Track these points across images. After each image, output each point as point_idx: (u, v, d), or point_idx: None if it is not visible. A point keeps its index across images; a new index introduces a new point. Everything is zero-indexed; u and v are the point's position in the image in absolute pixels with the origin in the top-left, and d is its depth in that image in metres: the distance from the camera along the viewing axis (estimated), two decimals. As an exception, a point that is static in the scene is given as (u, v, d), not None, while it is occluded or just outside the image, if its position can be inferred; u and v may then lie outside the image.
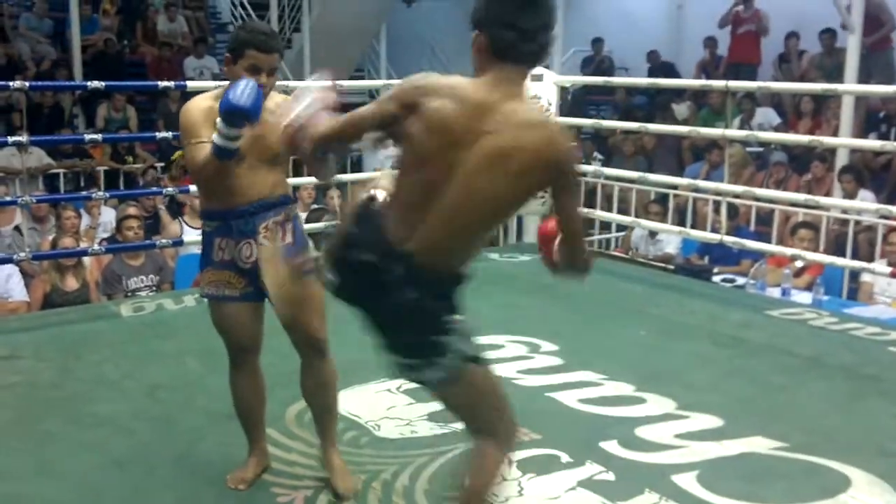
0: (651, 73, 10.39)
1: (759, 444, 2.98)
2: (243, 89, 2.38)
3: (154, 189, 6.68)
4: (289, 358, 3.77)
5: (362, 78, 11.92)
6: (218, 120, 2.42)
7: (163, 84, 5.51)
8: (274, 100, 2.62)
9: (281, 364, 3.72)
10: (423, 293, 1.96)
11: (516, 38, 1.88)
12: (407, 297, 1.95)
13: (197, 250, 5.87)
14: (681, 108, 9.22)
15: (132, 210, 6.13)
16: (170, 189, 5.72)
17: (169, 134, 5.29)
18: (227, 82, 2.53)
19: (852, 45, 7.11)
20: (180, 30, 11.31)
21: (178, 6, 11.68)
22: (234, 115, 2.38)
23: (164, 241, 5.40)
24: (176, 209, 6.78)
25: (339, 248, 2.04)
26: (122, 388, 3.52)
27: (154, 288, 5.41)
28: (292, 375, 3.54)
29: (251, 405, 2.78)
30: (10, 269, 4.88)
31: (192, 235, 5.75)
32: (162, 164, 8.29)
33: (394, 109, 1.94)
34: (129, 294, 5.24)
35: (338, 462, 2.74)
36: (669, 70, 10.38)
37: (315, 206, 6.67)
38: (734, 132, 5.98)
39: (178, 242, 5.44)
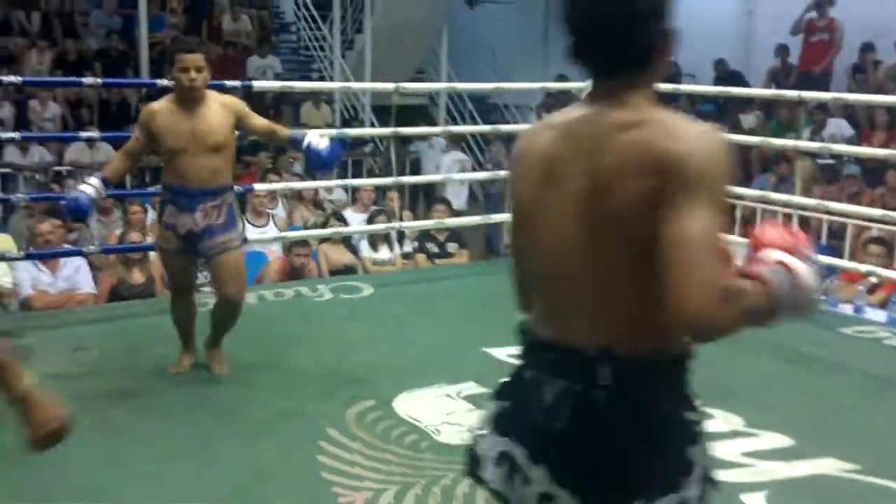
0: (717, 83, 10.20)
1: (831, 466, 2.89)
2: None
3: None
4: (349, 356, 3.80)
5: (423, 80, 11.94)
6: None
7: (229, 83, 5.55)
8: (216, 100, 3.44)
9: (341, 363, 3.75)
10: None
11: (581, 45, 1.43)
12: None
13: (260, 248, 5.99)
14: (748, 119, 9.03)
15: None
16: (236, 187, 5.75)
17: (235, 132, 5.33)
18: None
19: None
20: (244, 29, 11.46)
21: (243, 5, 11.83)
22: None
23: (226, 237, 5.45)
24: (240, 208, 6.83)
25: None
26: (185, 381, 3.56)
27: (215, 284, 5.47)
28: (353, 378, 3.58)
29: (184, 323, 3.60)
30: (79, 261, 4.97)
31: (254, 234, 5.79)
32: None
33: None
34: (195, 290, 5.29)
35: (217, 353, 3.62)
36: (737, 79, 10.16)
37: (375, 207, 6.67)
38: (806, 143, 5.83)
39: (243, 240, 5.47)
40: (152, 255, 5.06)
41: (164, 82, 5.00)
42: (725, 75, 10.30)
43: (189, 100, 3.36)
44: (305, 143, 3.57)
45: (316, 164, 3.80)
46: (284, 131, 3.79)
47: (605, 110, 1.38)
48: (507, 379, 1.49)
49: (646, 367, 1.35)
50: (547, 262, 1.41)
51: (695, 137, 1.31)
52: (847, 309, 4.91)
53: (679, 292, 1.23)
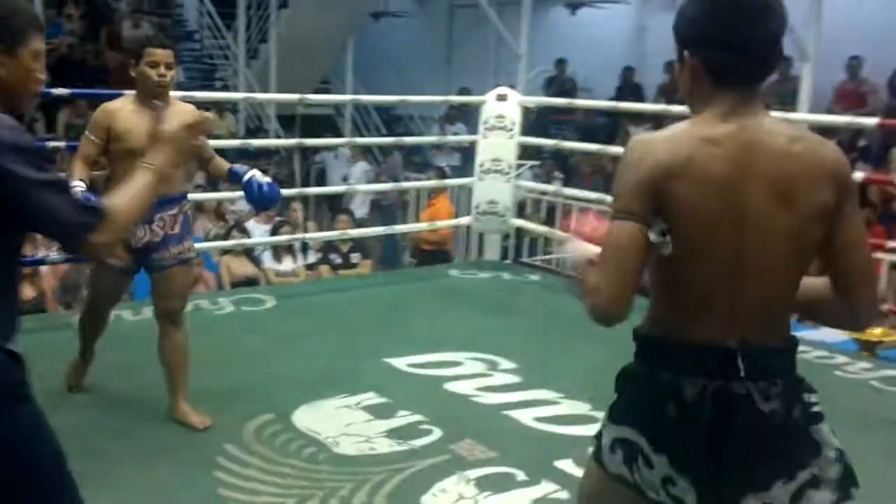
0: (621, 91, 10.57)
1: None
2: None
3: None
4: (249, 370, 3.81)
5: (328, 91, 11.96)
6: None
7: (127, 93, 5.48)
8: (178, 104, 3.24)
9: (241, 377, 3.76)
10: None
11: (744, 61, 1.51)
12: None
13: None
14: (636, 133, 9.38)
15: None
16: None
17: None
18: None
19: (807, 74, 7.34)
20: (145, 36, 11.25)
21: (144, 12, 11.62)
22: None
23: (124, 250, 5.38)
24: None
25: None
26: (79, 401, 3.49)
27: (113, 298, 5.39)
28: (252, 393, 3.59)
29: (92, 336, 3.50)
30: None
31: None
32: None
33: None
34: (88, 304, 5.20)
35: (185, 407, 3.29)
36: (637, 90, 10.57)
37: (279, 218, 6.67)
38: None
39: (139, 253, 5.41)
40: (43, 269, 4.96)
41: (60, 91, 4.91)
42: (629, 86, 10.69)
43: (154, 99, 3.13)
44: (247, 176, 3.30)
45: (257, 199, 3.37)
46: (223, 164, 3.45)
47: (757, 123, 1.52)
48: (631, 378, 1.64)
49: (778, 357, 1.54)
50: (712, 270, 1.51)
51: (836, 148, 1.56)
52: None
53: (872, 291, 1.57)
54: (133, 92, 3.21)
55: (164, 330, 3.31)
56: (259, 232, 6.51)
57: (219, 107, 10.09)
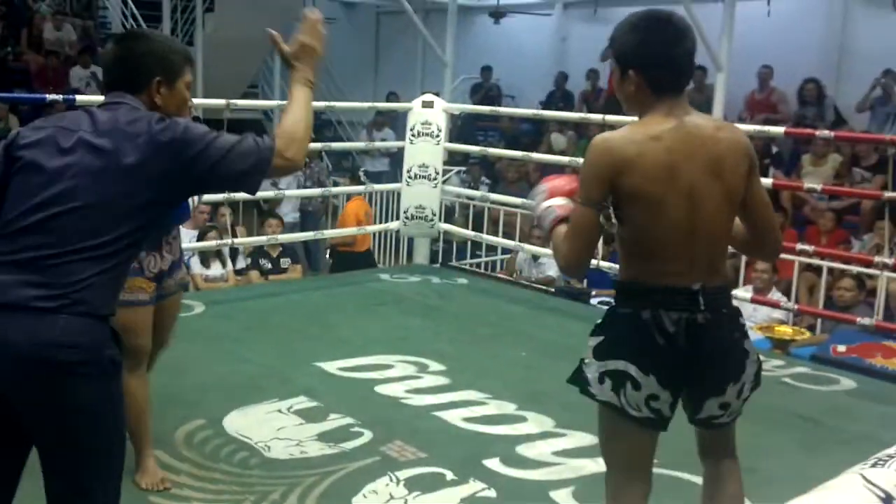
0: (552, 96, 10.78)
1: (630, 460, 3.20)
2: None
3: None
4: (180, 377, 3.80)
5: (256, 95, 11.88)
6: None
7: (50, 97, 5.42)
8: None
9: (172, 384, 3.75)
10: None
11: (671, 72, 2.00)
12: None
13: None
14: (558, 139, 9.61)
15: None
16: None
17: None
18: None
19: (720, 83, 7.63)
20: (67, 38, 11.02)
21: (66, 14, 11.38)
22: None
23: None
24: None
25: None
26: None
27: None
28: (183, 399, 3.59)
29: (144, 409, 2.85)
30: None
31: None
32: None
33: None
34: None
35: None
36: (568, 97, 10.81)
37: (207, 223, 6.63)
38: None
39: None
40: None
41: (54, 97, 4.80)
42: (561, 92, 10.91)
43: None
44: None
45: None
46: None
47: (689, 119, 2.00)
48: (615, 319, 2.04)
49: (722, 294, 2.05)
50: (672, 233, 1.97)
51: (744, 132, 2.13)
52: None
53: (777, 234, 2.20)
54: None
55: (138, 367, 2.87)
56: (187, 237, 6.45)
57: (143, 111, 9.93)
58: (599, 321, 2.08)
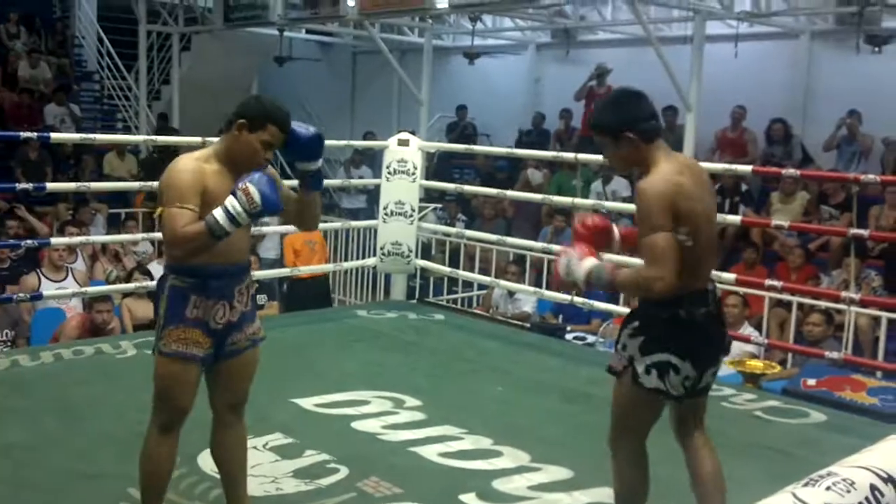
0: (529, 134, 10.94)
1: (606, 495, 3.16)
2: (270, 188, 2.44)
3: (11, 241, 6.44)
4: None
5: (232, 132, 11.90)
6: (233, 206, 2.41)
7: (24, 135, 5.43)
8: None
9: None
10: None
11: (657, 122, 2.56)
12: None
13: (55, 304, 5.79)
14: (535, 175, 9.72)
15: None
16: (28, 241, 5.58)
17: (30, 186, 5.20)
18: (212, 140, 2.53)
19: (690, 122, 7.79)
20: (42, 76, 11.03)
21: (41, 52, 11.39)
22: (268, 213, 2.49)
23: (21, 294, 5.25)
24: (34, 261, 6.58)
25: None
26: (-25, 449, 3.41)
27: (9, 343, 5.25)
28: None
29: (166, 474, 2.71)
30: None
31: (51, 289, 5.62)
32: (12, 206, 7.96)
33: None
34: (-19, 350, 5.06)
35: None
36: (545, 134, 10.96)
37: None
38: (582, 201, 6.39)
39: (37, 296, 5.30)
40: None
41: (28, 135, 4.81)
42: (539, 129, 11.07)
43: (242, 168, 2.56)
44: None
45: (269, 205, 2.50)
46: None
47: (680, 155, 2.70)
48: (653, 321, 2.52)
49: (714, 291, 2.64)
50: (704, 246, 2.51)
51: None
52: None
53: None
54: (208, 152, 2.60)
55: (228, 423, 2.78)
56: (158, 272, 6.44)
57: (119, 147, 9.93)
58: (637, 324, 2.55)
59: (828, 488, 1.52)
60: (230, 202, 2.43)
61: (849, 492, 1.52)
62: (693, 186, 2.47)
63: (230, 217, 2.42)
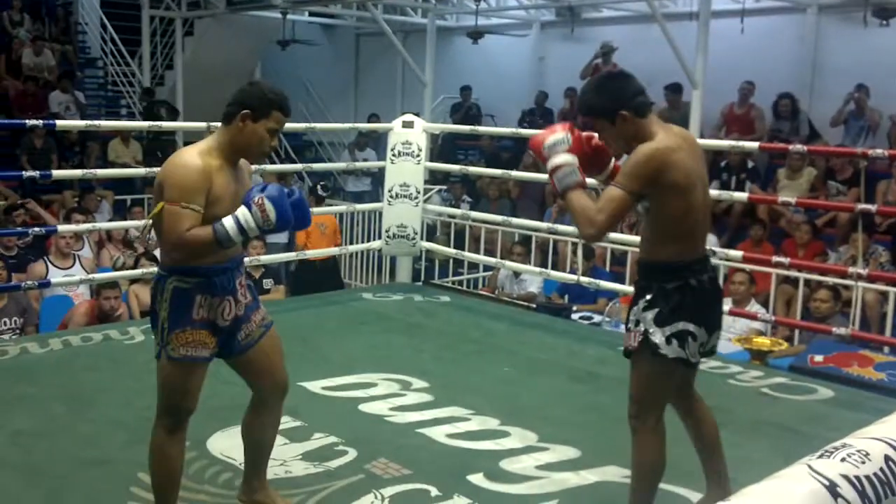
0: (532, 114, 10.88)
1: (613, 473, 3.22)
2: (285, 204, 2.41)
3: (19, 230, 6.46)
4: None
5: (236, 117, 11.88)
6: (246, 220, 2.39)
7: (30, 122, 5.43)
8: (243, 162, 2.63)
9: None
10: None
11: (646, 97, 2.59)
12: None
13: (63, 291, 5.81)
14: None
15: (-8, 249, 5.97)
16: (35, 229, 5.59)
17: (36, 173, 5.21)
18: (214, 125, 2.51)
19: (696, 100, 7.74)
20: (47, 63, 11.01)
21: (45, 39, 11.37)
22: (279, 230, 2.47)
23: (29, 282, 5.27)
24: (41, 249, 6.61)
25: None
26: (-16, 436, 3.43)
27: (17, 331, 5.27)
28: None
29: (178, 472, 2.67)
30: None
31: (58, 276, 5.64)
32: (22, 202, 8.00)
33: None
34: (-9, 337, 5.09)
35: (273, 492, 2.85)
36: (548, 114, 10.91)
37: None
38: (588, 180, 6.36)
39: (45, 284, 5.32)
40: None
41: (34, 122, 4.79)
42: (542, 109, 11.01)
43: (239, 158, 2.58)
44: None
45: (282, 219, 2.48)
46: None
47: (671, 126, 2.64)
48: (667, 292, 2.56)
49: (709, 257, 2.75)
50: (701, 214, 2.59)
51: None
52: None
53: None
54: (207, 146, 2.52)
55: (271, 404, 2.77)
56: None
57: (124, 134, 9.93)
58: (650, 297, 2.58)
59: (843, 459, 1.53)
60: (243, 215, 2.40)
61: (864, 462, 1.53)
62: (689, 159, 2.53)
63: (241, 229, 2.41)
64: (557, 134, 2.58)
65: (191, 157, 2.46)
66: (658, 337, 2.55)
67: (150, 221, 2.55)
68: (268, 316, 2.75)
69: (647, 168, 2.47)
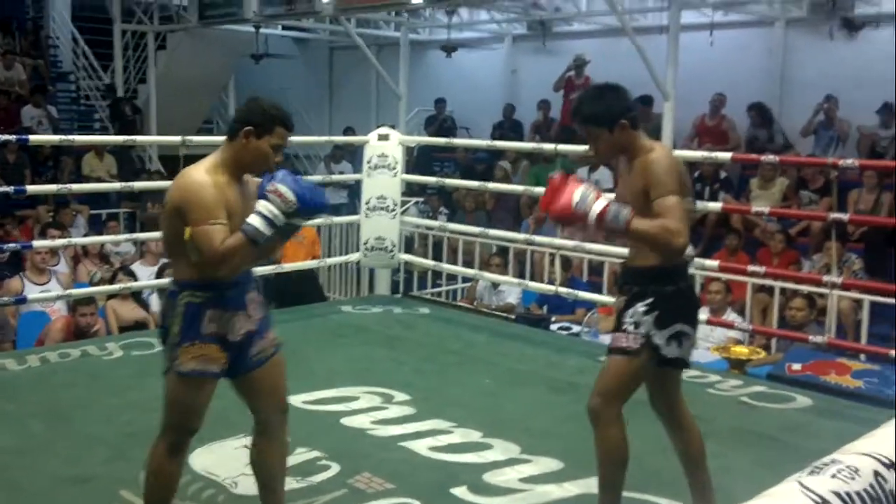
0: (501, 126, 10.94)
1: (596, 485, 3.21)
2: (301, 185, 2.42)
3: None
4: (145, 414, 3.75)
5: (211, 131, 11.86)
6: (269, 209, 2.39)
7: (3, 137, 5.38)
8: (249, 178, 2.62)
9: (137, 421, 3.72)
10: None
11: (638, 111, 2.74)
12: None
13: (40, 307, 5.75)
14: (505, 166, 9.75)
15: (-34, 266, 5.89)
16: (11, 245, 5.54)
17: (10, 189, 5.16)
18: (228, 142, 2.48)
19: (668, 111, 7.83)
20: (17, 77, 10.90)
21: (15, 53, 11.25)
22: (307, 212, 2.45)
23: (4, 298, 5.20)
24: (16, 265, 6.53)
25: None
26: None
27: (-8, 348, 5.21)
28: (147, 438, 3.54)
29: (174, 492, 2.63)
30: None
31: (34, 292, 5.58)
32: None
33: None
34: (-35, 355, 5.01)
35: None
36: (517, 126, 10.98)
37: (165, 260, 6.59)
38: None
39: (21, 300, 5.26)
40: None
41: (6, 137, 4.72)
42: (510, 121, 11.06)
43: (243, 174, 2.58)
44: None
45: (314, 204, 2.51)
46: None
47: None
48: (664, 296, 2.66)
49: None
50: (690, 220, 2.67)
51: None
52: (607, 339, 5.44)
53: None
54: (212, 162, 2.51)
55: (274, 426, 2.73)
56: (146, 274, 6.40)
57: (98, 148, 9.85)
58: (650, 300, 2.65)
59: (833, 476, 1.55)
60: (264, 206, 2.40)
61: (853, 479, 1.55)
62: (681, 166, 2.69)
63: (268, 221, 2.40)
64: (576, 188, 2.52)
65: (202, 176, 2.45)
66: (659, 339, 2.66)
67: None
68: (278, 337, 2.71)
69: (674, 171, 2.61)
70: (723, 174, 8.42)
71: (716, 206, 5.64)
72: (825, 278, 4.67)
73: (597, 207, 2.50)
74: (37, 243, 5.83)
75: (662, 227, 2.52)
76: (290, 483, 3.17)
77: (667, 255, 2.60)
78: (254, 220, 2.40)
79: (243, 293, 2.56)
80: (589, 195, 2.52)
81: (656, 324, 2.65)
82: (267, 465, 2.73)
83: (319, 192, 2.51)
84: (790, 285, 5.62)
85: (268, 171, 2.51)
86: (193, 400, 2.54)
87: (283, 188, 2.40)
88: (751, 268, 5.04)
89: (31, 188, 6.34)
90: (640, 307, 2.66)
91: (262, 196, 2.42)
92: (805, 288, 5.49)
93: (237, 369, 2.59)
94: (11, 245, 5.53)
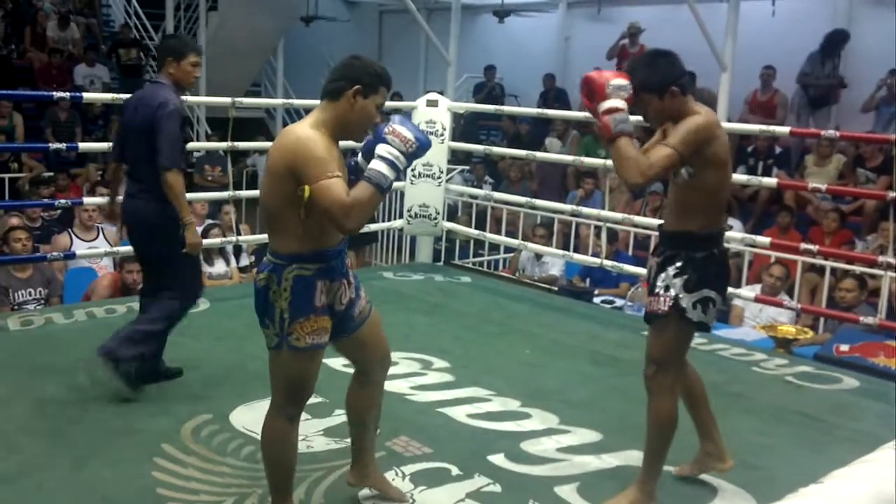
0: (545, 97, 10.78)
1: (635, 458, 3.17)
2: (415, 126, 2.40)
3: (45, 201, 6.49)
4: (186, 372, 3.81)
5: (259, 94, 11.89)
6: (390, 152, 2.32)
7: (57, 95, 5.44)
8: None
9: (178, 379, 3.77)
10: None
11: (688, 77, 2.74)
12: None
13: (87, 263, 5.85)
14: (553, 143, 9.58)
15: (15, 220, 5.99)
16: (62, 200, 5.62)
17: (63, 146, 5.23)
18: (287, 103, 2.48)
19: (724, 83, 7.63)
20: (71, 36, 11.03)
21: (70, 12, 11.38)
22: (422, 152, 2.38)
23: (54, 253, 5.30)
24: (66, 221, 6.64)
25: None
26: (10, 404, 3.47)
27: (42, 301, 5.31)
28: (189, 394, 3.61)
29: (296, 458, 2.61)
30: None
31: (82, 248, 5.67)
32: (50, 174, 8.04)
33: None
34: (16, 307, 5.13)
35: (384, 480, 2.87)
36: (562, 96, 10.80)
37: (210, 221, 6.65)
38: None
39: (70, 255, 5.35)
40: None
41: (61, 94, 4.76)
42: (551, 92, 10.87)
43: (343, 136, 2.50)
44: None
45: (423, 143, 2.42)
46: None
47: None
48: (696, 261, 2.72)
49: None
50: (728, 190, 2.85)
51: None
52: (652, 315, 5.39)
53: None
54: (314, 120, 2.40)
55: (376, 378, 2.77)
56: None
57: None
58: (680, 264, 2.72)
59: None
60: (384, 149, 2.32)
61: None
62: (726, 137, 2.73)
63: (391, 164, 2.32)
64: (623, 80, 2.64)
65: (310, 132, 2.36)
66: (686, 302, 2.72)
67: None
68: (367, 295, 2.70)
69: (698, 136, 2.63)
70: (778, 149, 8.22)
71: (771, 181, 5.48)
72: (880, 259, 4.54)
73: (615, 102, 2.59)
74: (87, 200, 5.91)
75: (636, 158, 2.58)
76: (329, 443, 3.21)
77: (623, 180, 2.76)
78: (377, 164, 2.32)
79: (344, 261, 2.53)
80: (624, 91, 2.61)
81: (685, 287, 2.71)
82: (365, 406, 2.77)
83: (423, 131, 2.45)
84: (841, 265, 5.48)
85: (368, 131, 2.45)
86: (309, 371, 2.51)
87: (400, 129, 2.34)
88: (803, 245, 4.92)
89: (83, 145, 6.41)
90: (672, 270, 2.74)
91: (381, 139, 2.35)
92: (857, 268, 5.35)
93: (341, 332, 2.58)
94: (61, 202, 5.61)
